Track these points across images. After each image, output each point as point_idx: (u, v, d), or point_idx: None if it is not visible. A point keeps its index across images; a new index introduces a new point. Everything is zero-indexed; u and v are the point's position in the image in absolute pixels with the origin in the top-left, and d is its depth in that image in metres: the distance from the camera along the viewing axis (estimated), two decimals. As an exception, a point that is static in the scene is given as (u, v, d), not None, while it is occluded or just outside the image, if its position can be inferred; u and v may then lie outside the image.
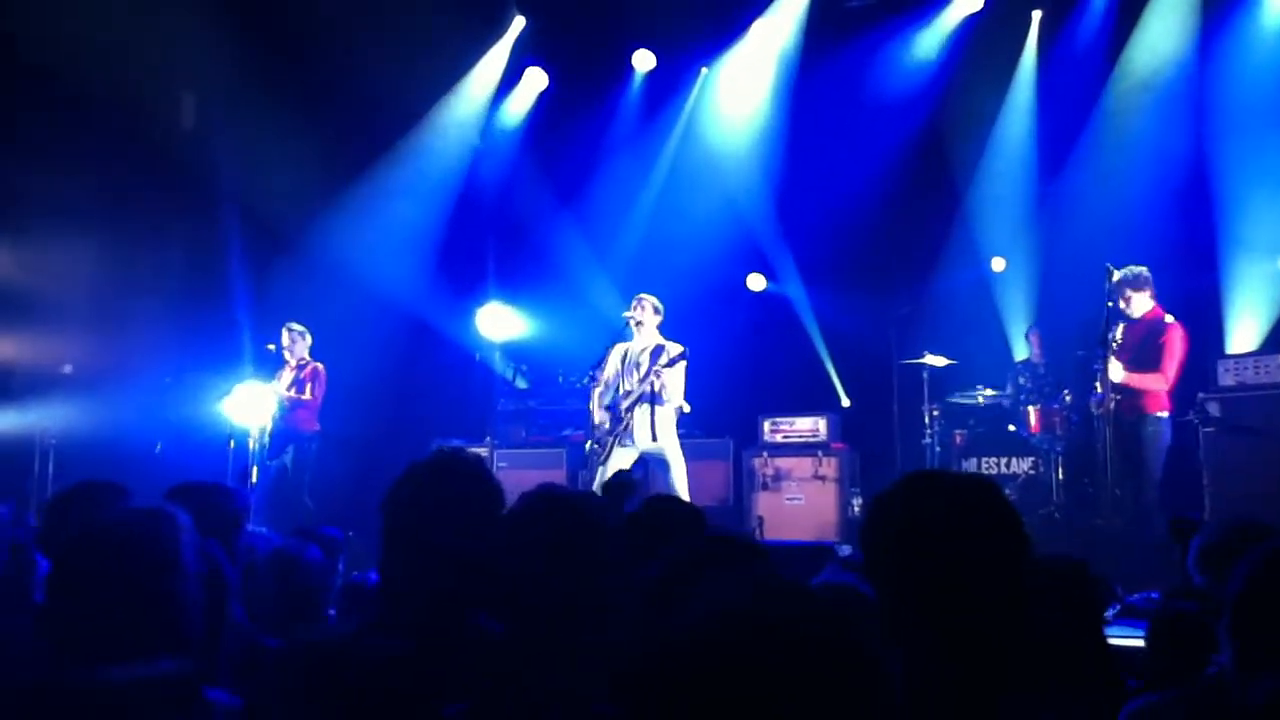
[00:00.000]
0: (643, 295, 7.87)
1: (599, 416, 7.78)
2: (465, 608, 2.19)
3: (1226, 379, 7.46)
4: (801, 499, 8.83)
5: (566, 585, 1.95)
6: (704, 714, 1.20)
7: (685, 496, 7.38)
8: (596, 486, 7.48)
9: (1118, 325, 7.14)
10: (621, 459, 7.63)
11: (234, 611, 2.63)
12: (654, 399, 7.51)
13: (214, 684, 2.15)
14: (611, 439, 7.57)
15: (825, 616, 1.28)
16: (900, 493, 1.79)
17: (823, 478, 8.82)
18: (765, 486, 8.94)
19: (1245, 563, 1.95)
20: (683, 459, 7.74)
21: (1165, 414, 7.27)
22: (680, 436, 8.09)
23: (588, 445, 7.80)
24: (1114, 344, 7.03)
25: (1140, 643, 4.79)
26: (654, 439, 7.55)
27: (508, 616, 2.05)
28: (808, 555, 6.08)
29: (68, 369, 10.00)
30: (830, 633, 1.26)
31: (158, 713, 1.85)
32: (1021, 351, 9.22)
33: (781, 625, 1.25)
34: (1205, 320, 8.28)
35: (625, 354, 7.80)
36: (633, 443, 7.60)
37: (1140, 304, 7.33)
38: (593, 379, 7.80)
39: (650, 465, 7.84)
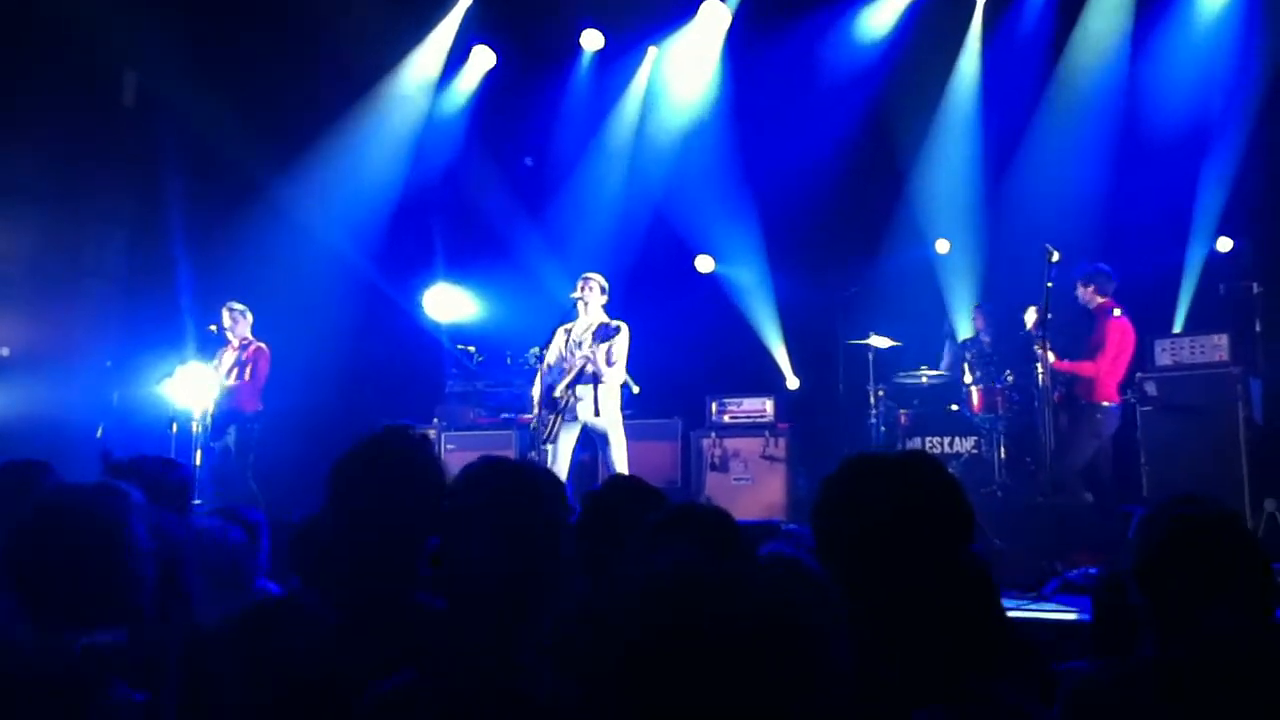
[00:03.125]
0: (589, 274, 7.87)
1: (542, 396, 7.78)
2: (406, 584, 2.20)
3: (1164, 359, 7.62)
4: (750, 479, 8.90)
5: (509, 557, 1.95)
6: (641, 683, 1.22)
7: (623, 464, 7.54)
8: (551, 465, 7.54)
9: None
10: (567, 434, 7.66)
11: (186, 584, 2.61)
12: (595, 376, 7.54)
13: (166, 657, 2.14)
14: (555, 416, 7.58)
15: (763, 593, 1.30)
16: (842, 476, 1.81)
17: (771, 458, 8.88)
18: (714, 467, 8.99)
19: (1151, 528, 2.01)
20: (624, 435, 7.77)
21: (1109, 404, 7.42)
22: (628, 417, 8.10)
23: (532, 424, 7.79)
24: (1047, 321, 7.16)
25: (1075, 617, 4.91)
26: (596, 413, 7.58)
27: (449, 592, 2.05)
28: (754, 533, 6.13)
29: (5, 352, 9.81)
30: (764, 610, 1.28)
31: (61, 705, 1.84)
32: (966, 331, 9.33)
33: (714, 598, 1.26)
34: (1157, 302, 8.44)
35: (569, 333, 7.80)
36: (575, 418, 7.62)
37: (1089, 297, 7.54)
38: (539, 358, 7.79)
39: (594, 440, 7.87)
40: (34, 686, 1.90)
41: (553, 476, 2.15)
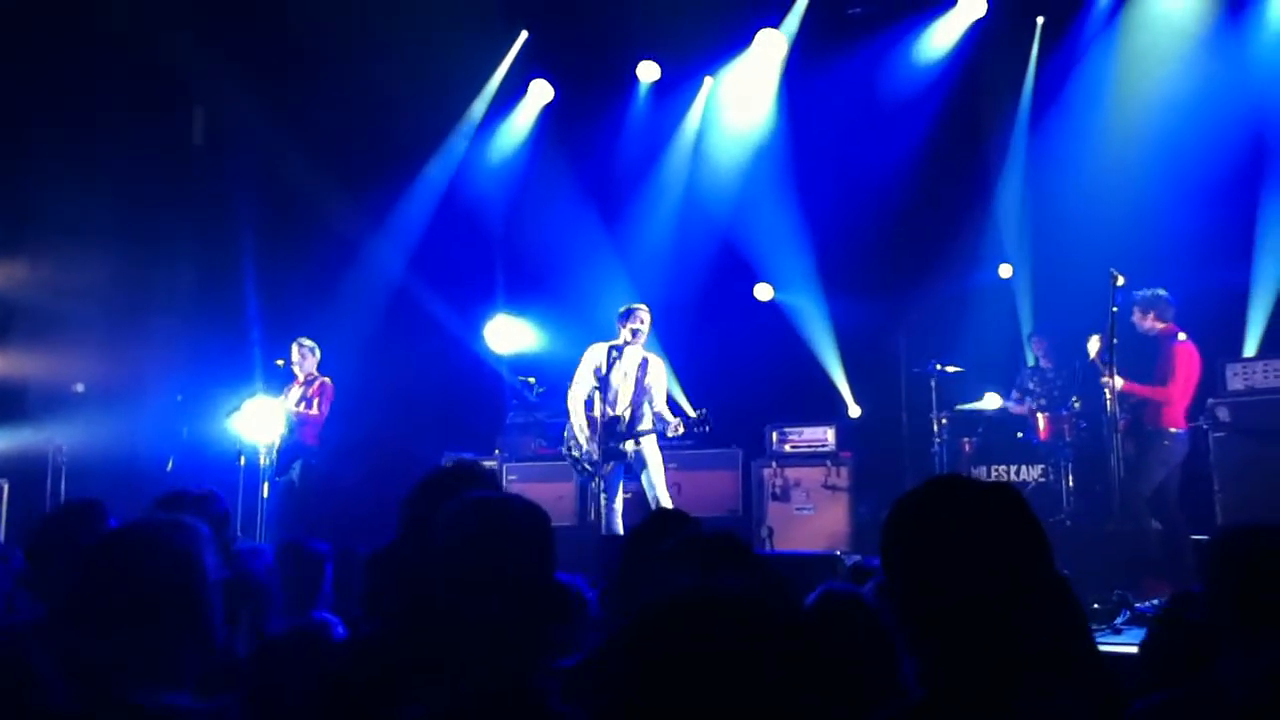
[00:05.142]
0: (641, 307, 7.93)
1: (583, 423, 7.78)
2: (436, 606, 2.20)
3: (1236, 383, 7.44)
4: (812, 508, 8.82)
5: (480, 601, 1.94)
6: (647, 699, 1.24)
7: (664, 492, 7.67)
8: (608, 495, 7.58)
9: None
10: (615, 465, 7.76)
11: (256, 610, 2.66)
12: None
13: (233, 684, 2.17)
14: (609, 454, 7.68)
15: (760, 610, 1.31)
16: (923, 496, 1.77)
17: (833, 487, 8.81)
18: (775, 496, 8.94)
19: (1226, 552, 1.98)
20: (660, 457, 7.85)
21: (1177, 430, 7.25)
22: (689, 447, 8.09)
23: (585, 460, 7.79)
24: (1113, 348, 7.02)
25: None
26: (637, 442, 7.73)
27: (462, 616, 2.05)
28: (814, 564, 6.07)
29: (80, 387, 10.06)
30: (763, 625, 1.31)
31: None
32: (1031, 358, 9.19)
33: (718, 616, 1.30)
34: (1228, 324, 8.23)
35: (614, 361, 7.81)
36: (624, 452, 7.75)
37: (1149, 324, 7.38)
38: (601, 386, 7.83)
39: (633, 466, 7.92)
40: None
41: (538, 517, 2.10)
